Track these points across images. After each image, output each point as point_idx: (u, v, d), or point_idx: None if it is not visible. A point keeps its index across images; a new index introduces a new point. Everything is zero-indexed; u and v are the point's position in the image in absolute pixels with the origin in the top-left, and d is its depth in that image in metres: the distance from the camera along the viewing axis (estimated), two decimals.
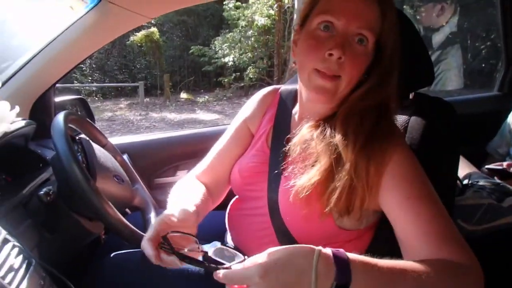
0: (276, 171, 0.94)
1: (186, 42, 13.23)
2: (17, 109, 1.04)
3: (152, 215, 1.20)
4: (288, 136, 0.97)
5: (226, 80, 11.91)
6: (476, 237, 1.31)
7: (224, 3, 11.23)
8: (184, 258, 0.71)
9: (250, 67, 11.05)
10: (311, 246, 0.62)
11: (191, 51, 12.15)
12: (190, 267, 0.96)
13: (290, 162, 0.90)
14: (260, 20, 10.56)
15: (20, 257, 0.76)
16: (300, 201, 0.83)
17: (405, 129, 1.01)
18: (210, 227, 1.14)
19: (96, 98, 12.23)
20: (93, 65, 12.76)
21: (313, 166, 0.84)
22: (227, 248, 0.72)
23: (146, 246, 0.77)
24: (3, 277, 0.69)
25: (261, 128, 1.07)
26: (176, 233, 0.77)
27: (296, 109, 1.03)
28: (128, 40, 12.14)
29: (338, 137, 0.83)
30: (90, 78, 12.66)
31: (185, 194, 0.99)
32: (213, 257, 0.69)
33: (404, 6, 3.94)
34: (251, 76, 11.06)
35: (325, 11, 0.85)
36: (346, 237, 0.89)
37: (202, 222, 0.92)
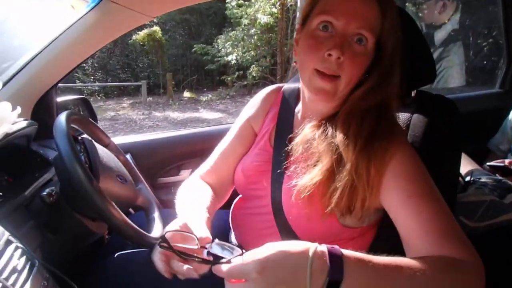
0: (279, 170, 0.94)
1: (188, 41, 13.24)
2: (18, 109, 1.04)
3: (156, 215, 1.19)
4: (291, 135, 0.97)
5: (229, 78, 11.92)
6: (478, 233, 1.32)
7: (226, 1, 11.22)
8: (183, 255, 0.71)
9: (253, 65, 11.05)
10: (308, 242, 0.63)
11: (194, 49, 12.15)
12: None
13: (292, 161, 0.90)
14: (263, 18, 10.54)
15: (23, 258, 0.75)
16: (302, 201, 0.83)
17: (407, 126, 1.01)
18: (214, 227, 1.13)
19: (99, 98, 12.27)
20: (95, 64, 12.79)
21: (315, 166, 0.85)
22: (226, 243, 0.72)
23: (157, 261, 0.77)
24: (7, 279, 0.69)
25: (264, 126, 1.07)
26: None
27: (298, 108, 1.03)
28: (130, 39, 12.15)
29: (339, 138, 0.83)
30: (92, 77, 12.70)
31: (196, 198, 0.99)
32: (212, 252, 0.70)
33: (407, 4, 3.93)
34: (254, 75, 11.06)
35: (325, 11, 0.85)
36: (349, 235, 0.89)
37: None
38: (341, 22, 0.83)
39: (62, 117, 1.00)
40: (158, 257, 0.79)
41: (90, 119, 1.29)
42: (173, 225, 0.81)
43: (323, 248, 0.62)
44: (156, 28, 12.13)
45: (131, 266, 1.05)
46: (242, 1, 11.07)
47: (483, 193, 1.35)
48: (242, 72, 11.64)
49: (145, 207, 1.23)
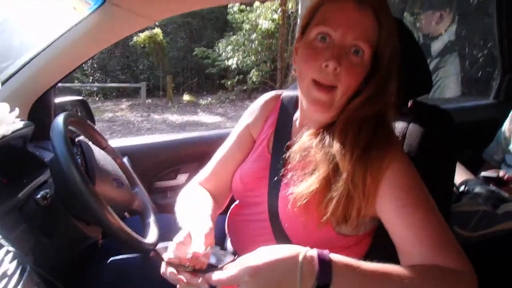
0: (276, 178, 0.94)
1: (190, 44, 13.24)
2: (16, 111, 1.03)
3: (151, 220, 1.18)
4: (288, 142, 0.98)
5: (229, 82, 11.93)
6: (472, 243, 1.34)
7: (228, 6, 11.26)
8: (174, 266, 0.72)
9: (254, 70, 11.08)
10: (298, 246, 0.66)
11: (194, 53, 12.17)
12: None
13: (290, 169, 0.91)
14: (264, 24, 10.59)
15: (15, 262, 0.75)
16: (299, 209, 0.84)
17: (403, 136, 1.03)
18: None
19: (97, 98, 12.24)
20: (95, 65, 12.77)
21: (312, 174, 0.85)
22: (218, 250, 0.75)
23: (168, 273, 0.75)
24: None
25: (263, 133, 1.07)
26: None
27: (297, 115, 1.03)
28: (131, 41, 12.16)
29: (336, 147, 0.84)
30: (91, 78, 12.67)
31: (199, 206, 0.98)
32: (204, 259, 0.71)
33: (405, 14, 3.97)
34: (254, 79, 11.09)
35: (323, 23, 0.86)
36: (345, 243, 0.89)
37: None
38: (338, 34, 0.84)
39: (59, 119, 1.00)
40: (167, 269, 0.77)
41: (87, 121, 1.28)
42: (179, 237, 0.79)
43: (313, 252, 0.65)
44: (157, 30, 12.14)
45: (126, 271, 1.04)
46: (244, 7, 11.11)
47: (477, 203, 1.36)
48: (242, 76, 11.65)
49: (141, 212, 1.22)
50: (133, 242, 0.96)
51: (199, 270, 0.70)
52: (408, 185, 0.80)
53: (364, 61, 0.86)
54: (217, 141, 1.17)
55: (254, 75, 11.04)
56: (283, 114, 1.06)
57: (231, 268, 0.66)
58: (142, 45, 12.46)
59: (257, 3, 10.43)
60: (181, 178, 1.78)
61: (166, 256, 0.74)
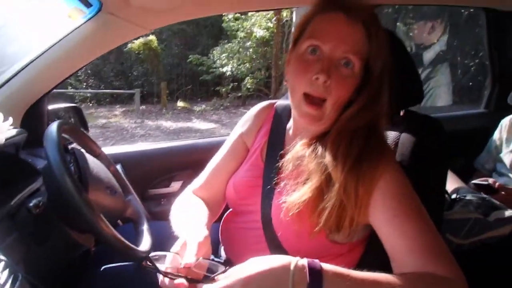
0: (269, 186, 0.95)
1: (184, 51, 13.25)
2: (10, 120, 1.03)
3: (144, 228, 1.18)
4: (282, 151, 0.99)
5: (223, 89, 11.95)
6: (464, 250, 1.36)
7: (223, 14, 11.32)
8: (166, 275, 0.72)
9: (248, 77, 11.12)
10: (289, 256, 0.67)
11: (189, 60, 12.18)
12: None
13: (283, 177, 0.91)
14: (259, 32, 10.67)
15: (6, 271, 0.74)
16: (291, 218, 0.84)
17: (396, 145, 1.04)
18: None
19: (91, 104, 12.17)
20: (89, 71, 12.72)
21: (304, 183, 0.86)
22: (210, 260, 0.74)
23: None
24: None
25: (256, 142, 1.08)
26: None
27: (290, 124, 1.04)
28: (126, 47, 12.14)
29: (328, 158, 0.85)
30: (85, 84, 12.61)
31: (194, 215, 0.98)
32: (196, 270, 0.72)
33: (398, 24, 4.03)
34: (249, 87, 11.13)
35: (313, 36, 0.88)
36: (338, 250, 0.90)
37: None
38: (328, 46, 0.86)
39: (53, 127, 0.99)
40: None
41: (81, 129, 1.27)
42: (175, 247, 0.80)
43: (304, 262, 0.66)
44: (152, 37, 12.14)
45: (118, 279, 1.04)
46: (239, 15, 11.17)
47: (469, 211, 1.38)
48: (236, 83, 11.68)
49: (134, 219, 1.22)
50: (126, 250, 0.95)
51: (195, 281, 0.70)
52: (400, 194, 0.81)
53: (354, 73, 0.87)
54: (210, 148, 1.18)
55: (248, 82, 11.08)
56: (277, 123, 1.07)
57: (223, 279, 0.66)
58: (136, 52, 12.46)
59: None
60: (175, 185, 1.78)
61: (162, 266, 0.74)
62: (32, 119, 1.37)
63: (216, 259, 1.04)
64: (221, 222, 1.11)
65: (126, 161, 1.61)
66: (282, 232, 0.90)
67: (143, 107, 11.87)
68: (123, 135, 8.77)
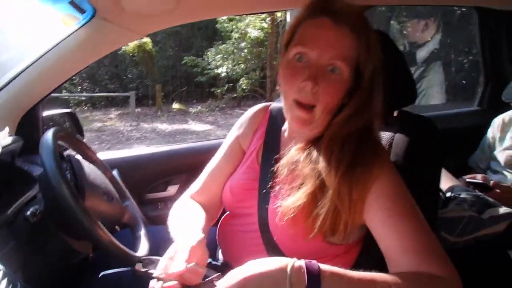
0: (264, 190, 0.95)
1: (179, 53, 13.22)
2: (6, 130, 1.03)
3: (142, 233, 1.18)
4: (278, 154, 0.99)
5: (219, 91, 11.94)
6: (459, 248, 1.36)
7: None
8: (159, 280, 0.72)
9: (243, 78, 11.11)
10: (286, 258, 0.67)
11: (184, 61, 12.16)
12: None
13: (278, 181, 0.92)
14: (253, 33, 10.65)
15: (5, 280, 0.74)
16: (286, 222, 0.85)
17: (390, 145, 1.06)
18: None
19: (86, 108, 12.11)
20: (83, 74, 12.64)
21: (299, 188, 0.86)
22: (202, 267, 0.75)
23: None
24: None
25: (252, 145, 1.09)
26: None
27: (285, 127, 1.05)
28: (120, 50, 12.08)
29: (321, 163, 0.86)
30: (79, 87, 12.54)
31: (191, 220, 0.98)
32: (189, 275, 0.72)
33: (391, 22, 4.04)
34: (244, 87, 11.12)
35: (300, 42, 0.88)
36: (334, 251, 0.91)
37: None
38: (315, 53, 0.86)
39: (49, 135, 1.00)
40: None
41: (77, 135, 1.28)
42: (168, 253, 0.80)
43: (301, 263, 0.66)
44: (146, 39, 12.09)
45: (116, 285, 1.04)
46: (233, 16, 11.17)
47: (463, 209, 1.39)
48: (232, 84, 11.68)
49: (131, 225, 1.22)
50: (124, 256, 0.96)
51: (188, 287, 0.70)
52: (394, 195, 0.82)
53: (343, 79, 0.87)
54: (206, 152, 1.18)
55: (243, 83, 11.08)
56: (272, 125, 1.08)
57: (219, 283, 0.66)
58: (131, 54, 12.42)
59: None
60: (172, 189, 1.78)
61: (155, 272, 0.74)
62: (27, 126, 1.37)
63: (213, 262, 1.05)
64: (218, 225, 1.11)
65: (122, 166, 1.61)
66: (278, 235, 0.91)
67: (139, 109, 11.84)
68: (119, 138, 8.74)
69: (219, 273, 0.69)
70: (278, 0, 1.44)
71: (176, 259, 0.75)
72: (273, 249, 0.92)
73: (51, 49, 1.26)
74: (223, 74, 11.34)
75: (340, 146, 0.86)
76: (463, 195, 1.47)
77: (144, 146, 7.82)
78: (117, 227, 1.38)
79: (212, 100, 12.24)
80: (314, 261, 0.67)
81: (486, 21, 2.25)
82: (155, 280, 0.73)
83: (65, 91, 11.73)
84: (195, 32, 13.19)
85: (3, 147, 1.02)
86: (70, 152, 1.25)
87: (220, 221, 1.11)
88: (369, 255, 0.94)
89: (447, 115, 2.42)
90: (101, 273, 1.09)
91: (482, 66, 2.37)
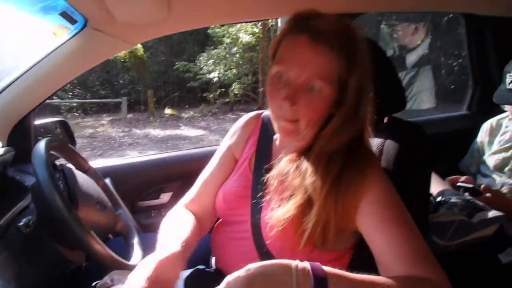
0: (255, 200, 0.96)
1: (171, 58, 13.21)
2: None
3: (135, 241, 1.18)
4: (270, 161, 1.00)
5: (211, 95, 11.95)
6: (451, 252, 1.37)
7: None
8: None
9: (235, 83, 11.14)
10: (289, 260, 0.67)
11: (176, 67, 12.15)
12: None
13: (269, 191, 0.92)
14: (245, 38, 10.70)
15: None
16: (277, 234, 0.86)
17: (380, 152, 1.07)
18: (195, 251, 1.14)
19: (77, 114, 12.03)
20: (74, 80, 12.45)
21: (289, 200, 0.87)
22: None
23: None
24: None
25: (244, 153, 1.09)
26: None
27: (277, 135, 1.05)
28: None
29: (308, 179, 0.86)
30: (71, 93, 12.44)
31: (175, 233, 0.97)
32: None
33: (382, 26, 4.08)
34: (236, 92, 11.14)
35: (279, 61, 0.88)
36: (327, 258, 0.91)
37: None
38: (293, 73, 0.85)
39: (41, 145, 1.00)
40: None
41: (69, 145, 1.27)
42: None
43: (305, 264, 0.66)
44: (138, 45, 12.08)
45: None
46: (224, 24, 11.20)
47: (453, 213, 1.40)
48: (224, 89, 11.69)
49: (124, 233, 1.22)
50: (117, 265, 0.96)
51: None
52: (386, 201, 0.83)
53: (323, 96, 0.86)
54: (199, 159, 1.19)
55: (236, 88, 11.10)
56: (264, 133, 1.08)
57: (222, 283, 0.64)
58: (122, 60, 12.38)
59: None
60: (165, 197, 1.78)
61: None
62: (19, 135, 1.36)
63: (207, 269, 1.05)
64: (212, 232, 1.11)
65: (115, 174, 1.61)
66: (270, 243, 0.91)
67: (130, 115, 11.79)
68: (111, 144, 8.69)
69: None
70: (268, 9, 1.45)
71: (138, 275, 0.74)
72: (266, 256, 0.92)
73: (42, 59, 1.26)
74: (215, 79, 11.36)
75: (327, 161, 0.86)
76: (453, 199, 1.48)
77: (137, 152, 7.79)
78: (110, 235, 1.38)
79: (205, 105, 12.24)
80: (318, 263, 0.67)
81: (473, 26, 2.29)
82: None
83: (56, 97, 11.60)
84: (186, 37, 13.20)
85: None
86: (62, 161, 1.24)
87: (214, 228, 1.12)
88: (361, 261, 0.94)
89: (437, 120, 2.45)
90: (94, 283, 1.08)
91: (470, 70, 2.41)
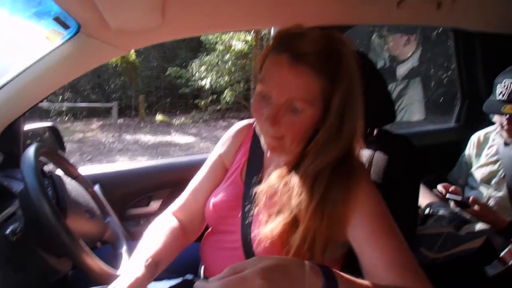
0: (248, 209, 0.96)
1: (163, 64, 13.20)
2: None
3: (123, 250, 1.17)
4: (261, 173, 1.01)
5: (203, 102, 11.94)
6: (439, 264, 1.39)
7: None
8: None
9: (227, 90, 11.14)
10: (299, 259, 0.67)
11: (167, 72, 12.13)
12: None
13: (258, 205, 0.93)
14: (238, 45, 10.73)
15: None
16: (264, 249, 0.86)
17: (370, 163, 1.09)
18: (184, 260, 1.14)
19: (66, 118, 11.91)
20: (65, 84, 12.43)
21: (277, 215, 0.87)
22: None
23: None
24: None
25: (235, 162, 1.09)
26: None
27: None
28: None
29: (294, 199, 0.86)
30: (61, 97, 12.33)
31: (147, 246, 0.98)
32: None
33: (373, 37, 4.14)
34: (228, 99, 11.15)
35: (262, 80, 0.88)
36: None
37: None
38: (274, 93, 0.85)
39: (30, 151, 0.99)
40: None
41: (58, 151, 1.26)
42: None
43: (315, 264, 0.65)
44: None
45: None
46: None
47: (441, 225, 1.42)
48: (216, 96, 11.69)
49: (113, 242, 1.21)
50: (105, 275, 0.95)
51: None
52: (376, 213, 0.84)
53: (305, 115, 0.85)
54: (189, 167, 1.18)
55: (227, 95, 11.10)
56: (255, 143, 1.08)
57: (236, 275, 0.60)
58: (114, 65, 12.32)
59: None
60: (154, 205, 1.77)
61: None
62: (8, 140, 1.34)
63: (196, 278, 1.04)
64: (201, 241, 1.11)
65: (104, 181, 1.59)
66: (260, 254, 0.90)
67: (121, 120, 11.71)
68: (100, 149, 8.62)
69: None
70: (261, 19, 1.46)
71: None
72: None
73: (34, 63, 1.25)
74: (207, 86, 11.36)
75: (312, 182, 0.86)
76: (441, 211, 1.51)
77: (126, 158, 7.73)
78: (98, 243, 1.36)
79: (196, 112, 12.22)
80: (325, 265, 0.67)
81: (462, 41, 2.34)
82: None
83: (46, 101, 11.46)
84: (179, 43, 13.20)
85: None
86: (51, 167, 1.23)
87: (203, 237, 1.12)
88: (349, 271, 0.95)
89: (426, 132, 2.48)
90: None
91: (458, 83, 2.45)
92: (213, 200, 1.05)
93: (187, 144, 9.26)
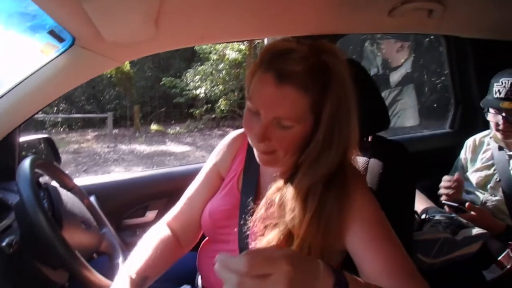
0: (245, 219, 0.96)
1: (157, 74, 13.22)
2: None
3: (120, 261, 1.17)
4: (258, 182, 1.01)
5: (197, 111, 11.95)
6: (435, 269, 1.39)
7: None
8: None
9: (222, 99, 11.17)
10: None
11: (162, 82, 12.15)
12: None
13: (256, 216, 0.92)
14: (231, 54, 10.79)
15: None
16: None
17: (365, 169, 1.09)
18: (181, 269, 1.13)
19: (62, 129, 11.88)
20: (60, 96, 12.40)
21: (274, 228, 0.88)
22: None
23: None
24: None
25: (231, 171, 1.09)
26: None
27: None
28: None
29: (288, 214, 0.86)
30: (56, 108, 12.30)
31: (136, 260, 0.98)
32: None
33: (366, 44, 4.17)
34: (223, 108, 11.16)
35: (250, 97, 0.87)
36: None
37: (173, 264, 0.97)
38: (261, 111, 0.84)
39: (26, 163, 0.99)
40: None
41: (54, 163, 1.26)
42: None
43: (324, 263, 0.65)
44: None
45: None
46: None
47: (438, 231, 1.42)
48: (210, 105, 11.72)
49: (109, 252, 1.21)
50: (101, 286, 0.94)
51: None
52: (374, 219, 0.85)
53: (295, 131, 0.85)
54: (185, 177, 1.18)
55: (222, 104, 11.12)
56: (251, 152, 1.08)
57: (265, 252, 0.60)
58: (108, 75, 12.32)
59: None
60: (150, 215, 1.76)
61: None
62: (3, 152, 1.34)
63: None
64: (198, 251, 1.11)
65: (100, 192, 1.59)
66: None
67: (116, 131, 11.68)
68: (96, 160, 8.58)
69: None
70: (254, 30, 1.47)
71: None
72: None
73: (29, 76, 1.24)
74: (201, 95, 11.38)
75: (305, 196, 0.85)
76: (437, 217, 1.51)
77: (122, 168, 7.70)
78: (94, 255, 1.35)
79: (191, 121, 12.22)
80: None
81: (454, 47, 2.37)
82: None
83: (41, 112, 11.39)
84: (173, 53, 13.23)
85: None
86: (46, 179, 1.23)
87: (200, 247, 1.11)
88: None
89: (420, 137, 2.50)
90: None
91: (452, 89, 2.47)
92: (209, 208, 1.05)
93: (182, 153, 9.25)
